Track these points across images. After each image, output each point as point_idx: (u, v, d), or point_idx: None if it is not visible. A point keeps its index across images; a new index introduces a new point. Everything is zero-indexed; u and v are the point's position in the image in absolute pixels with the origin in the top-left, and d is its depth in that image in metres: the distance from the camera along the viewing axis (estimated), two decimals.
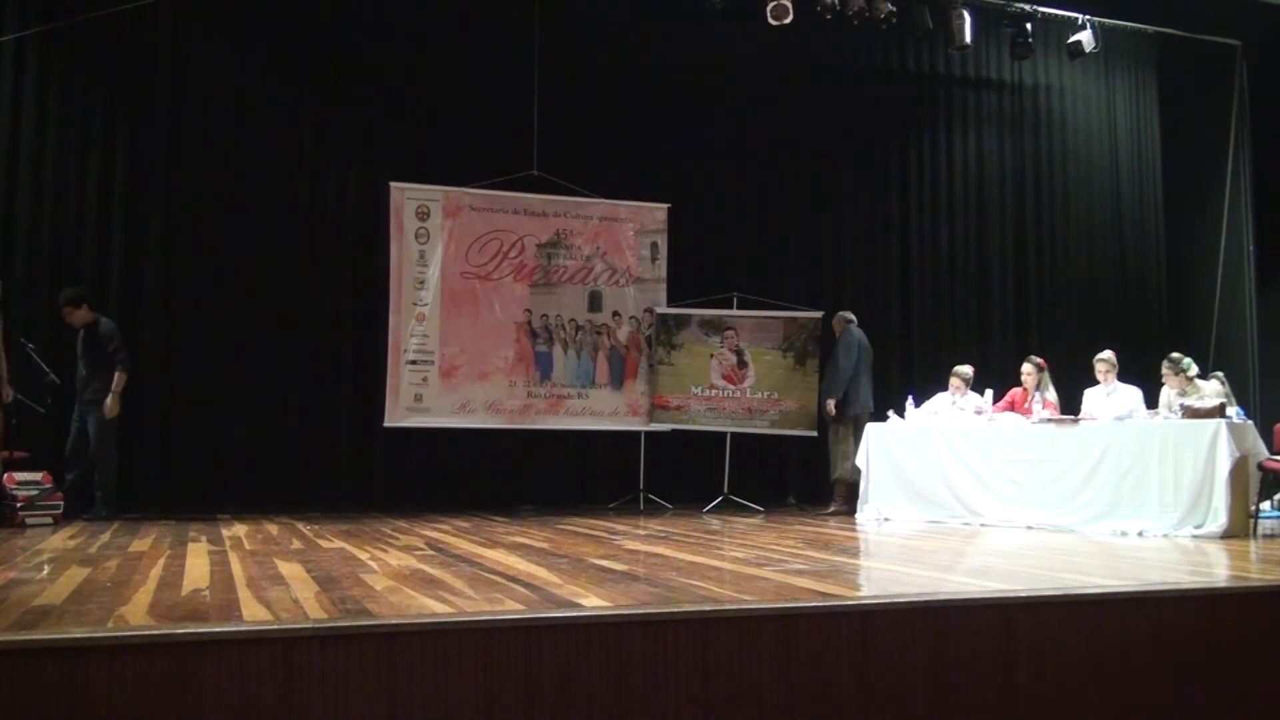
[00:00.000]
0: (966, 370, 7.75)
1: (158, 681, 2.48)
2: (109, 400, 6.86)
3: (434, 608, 3.04)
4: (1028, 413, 7.31)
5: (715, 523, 6.98)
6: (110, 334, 6.95)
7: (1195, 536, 5.92)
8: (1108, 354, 7.33)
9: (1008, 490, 6.86)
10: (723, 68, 9.42)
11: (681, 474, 8.86)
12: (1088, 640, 3.29)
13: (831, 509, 7.87)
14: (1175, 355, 7.13)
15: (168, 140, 8.10)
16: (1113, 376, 7.23)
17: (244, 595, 3.29)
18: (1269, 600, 3.62)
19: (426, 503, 8.14)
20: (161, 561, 4.29)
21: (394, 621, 2.77)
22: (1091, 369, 7.47)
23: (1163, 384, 7.12)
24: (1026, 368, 7.72)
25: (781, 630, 2.98)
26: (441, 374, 8.28)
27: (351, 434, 8.38)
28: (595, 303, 8.76)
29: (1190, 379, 7.01)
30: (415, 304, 8.29)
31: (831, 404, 8.15)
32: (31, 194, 7.69)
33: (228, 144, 8.24)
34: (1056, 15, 9.78)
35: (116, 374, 6.89)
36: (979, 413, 7.39)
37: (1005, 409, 7.50)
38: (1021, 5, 9.59)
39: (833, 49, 9.72)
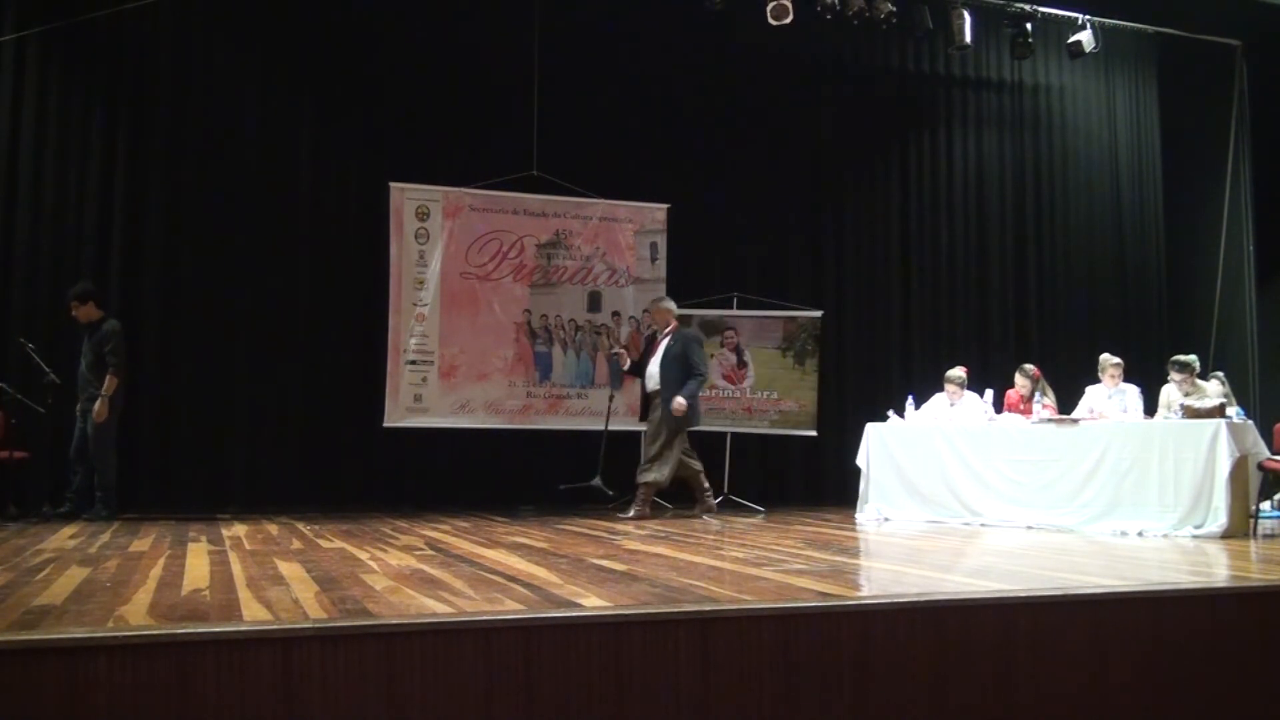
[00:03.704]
0: (959, 373, 7.74)
1: (158, 681, 2.48)
2: (98, 405, 6.84)
3: (434, 608, 3.04)
4: (1027, 413, 7.31)
5: (715, 523, 6.97)
6: (109, 335, 6.92)
7: (1195, 536, 5.92)
8: (1118, 359, 7.33)
9: (1008, 490, 6.86)
10: (723, 68, 9.43)
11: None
12: (1088, 640, 3.29)
13: (633, 513, 7.19)
14: (1183, 358, 7.09)
15: (168, 140, 8.11)
16: (1119, 380, 7.24)
17: (244, 595, 3.29)
18: (1269, 600, 3.62)
19: (426, 503, 8.14)
20: (161, 561, 4.28)
21: (394, 621, 2.76)
22: (1091, 368, 7.48)
23: (1166, 383, 7.12)
24: (1020, 380, 7.72)
25: (781, 630, 2.98)
26: (441, 374, 8.29)
27: (351, 434, 8.37)
28: (595, 303, 8.76)
29: (1195, 381, 7.00)
30: (415, 304, 8.30)
31: (683, 403, 7.27)
32: (31, 194, 7.69)
33: (228, 144, 8.24)
34: (1056, 15, 9.78)
35: (107, 378, 6.88)
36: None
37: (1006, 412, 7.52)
38: (1021, 5, 9.59)
39: (833, 49, 9.72)
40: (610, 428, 8.49)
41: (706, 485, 7.62)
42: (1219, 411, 6.27)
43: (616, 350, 8.00)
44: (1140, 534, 6.08)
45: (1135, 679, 3.32)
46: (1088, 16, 9.73)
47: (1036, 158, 10.62)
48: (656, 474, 7.34)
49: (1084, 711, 3.25)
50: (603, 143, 9.05)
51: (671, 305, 7.77)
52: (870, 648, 3.05)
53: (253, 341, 8.21)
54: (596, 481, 8.07)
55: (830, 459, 9.31)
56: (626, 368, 7.84)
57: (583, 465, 8.86)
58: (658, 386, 7.46)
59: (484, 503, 8.21)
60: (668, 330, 7.57)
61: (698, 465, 7.61)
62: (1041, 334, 10.36)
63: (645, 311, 8.22)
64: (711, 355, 8.71)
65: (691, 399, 7.34)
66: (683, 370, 7.37)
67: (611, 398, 8.26)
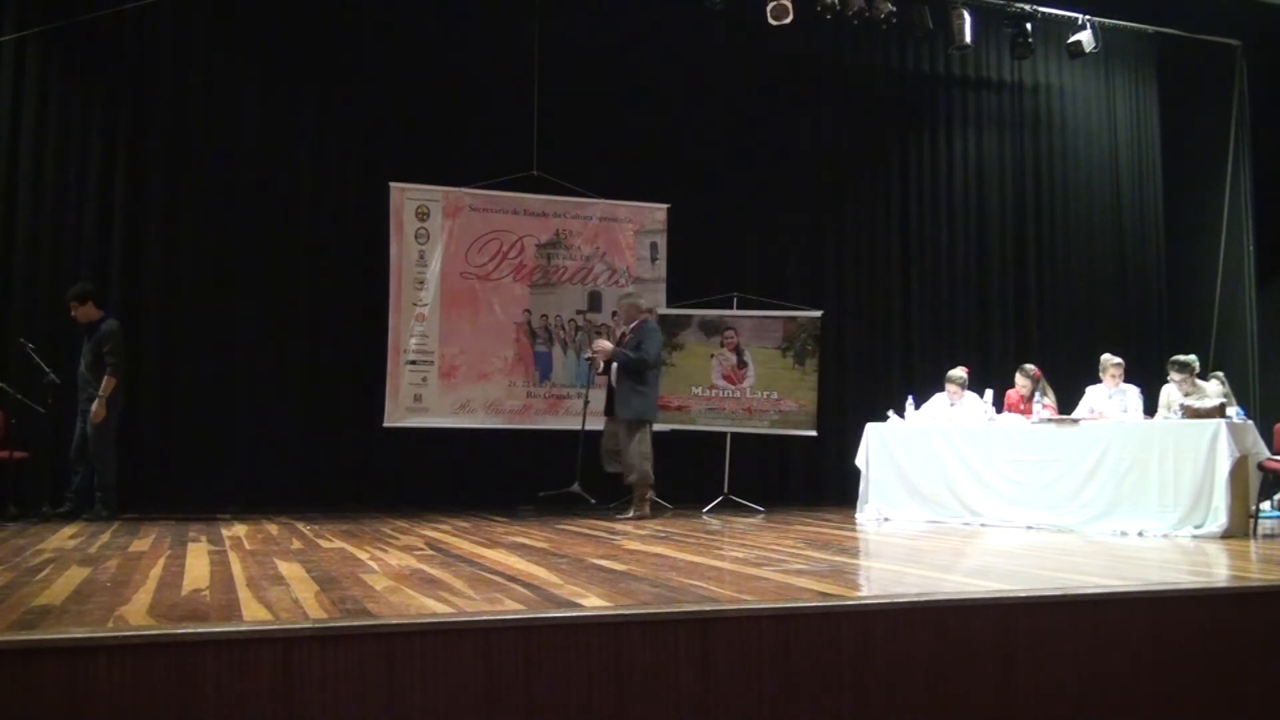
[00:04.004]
0: (961, 374, 7.74)
1: (158, 681, 2.48)
2: (95, 405, 6.84)
3: (434, 608, 3.04)
4: (1027, 413, 7.31)
5: (715, 523, 6.97)
6: (108, 336, 6.92)
7: (1195, 536, 5.92)
8: (1119, 359, 7.33)
9: (1008, 490, 6.86)
10: (723, 68, 9.43)
11: (681, 474, 8.86)
12: (1088, 640, 3.29)
13: (633, 514, 7.14)
14: (1183, 358, 7.09)
15: (168, 140, 8.11)
16: (1120, 380, 7.24)
17: (244, 595, 3.29)
18: (1269, 600, 3.62)
19: (426, 503, 8.14)
20: (161, 561, 4.29)
21: (394, 621, 2.77)
22: (1092, 368, 7.48)
23: (1165, 383, 7.12)
24: (1020, 380, 7.72)
25: (781, 630, 2.98)
26: (441, 374, 8.29)
27: (351, 434, 8.37)
28: (595, 303, 8.76)
29: (1194, 382, 7.00)
30: (415, 304, 8.30)
31: (606, 345, 7.49)
32: (31, 194, 7.70)
33: (228, 144, 8.24)
34: (1056, 15, 9.78)
35: (105, 378, 6.87)
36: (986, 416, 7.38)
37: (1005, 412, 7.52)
38: (1021, 5, 9.59)
39: (833, 49, 9.72)
40: (589, 428, 8.51)
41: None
42: (1219, 411, 6.26)
43: (589, 355, 7.91)
44: (1140, 534, 6.08)
45: (1135, 679, 3.32)
46: (1088, 16, 9.73)
47: (1036, 158, 10.62)
48: (639, 473, 7.30)
49: (1084, 712, 3.25)
50: (603, 143, 9.05)
51: (638, 300, 7.75)
52: (870, 648, 3.04)
53: (252, 341, 8.21)
54: (575, 487, 8.07)
55: (830, 459, 9.32)
56: (601, 370, 7.70)
57: (583, 465, 8.87)
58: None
59: (484, 503, 8.21)
60: (634, 324, 7.53)
61: None
62: (1041, 334, 10.36)
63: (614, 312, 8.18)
64: (711, 355, 8.71)
65: (624, 358, 7.27)
66: (629, 352, 7.35)
67: (586, 401, 8.23)
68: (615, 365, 7.39)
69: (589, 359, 7.96)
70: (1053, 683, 3.22)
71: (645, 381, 7.34)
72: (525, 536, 5.62)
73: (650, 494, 7.40)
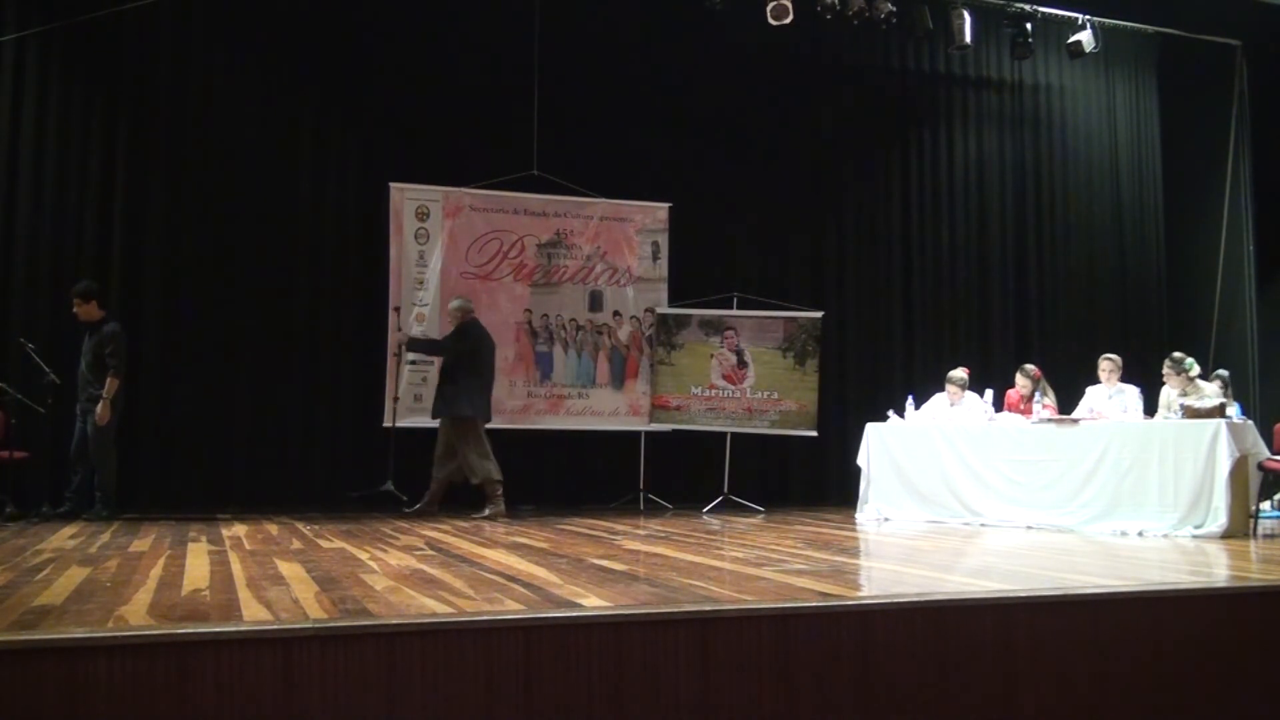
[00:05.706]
0: (961, 375, 7.74)
1: (158, 681, 2.48)
2: (100, 407, 6.84)
3: (434, 608, 3.04)
4: (1027, 413, 7.31)
5: (715, 523, 6.98)
6: (111, 337, 6.92)
7: (1195, 536, 5.92)
8: (1115, 355, 7.34)
9: (1008, 490, 6.86)
10: (723, 67, 9.43)
11: (681, 474, 8.86)
12: (1088, 640, 3.29)
13: (488, 511, 7.17)
14: (1177, 355, 7.14)
15: (168, 140, 8.10)
16: (1116, 378, 7.24)
17: (244, 595, 3.29)
18: (1269, 600, 3.62)
19: None
20: (161, 561, 4.29)
21: (394, 621, 2.77)
22: (1091, 368, 7.48)
23: (1163, 384, 7.13)
24: (1021, 380, 7.72)
25: (781, 630, 2.98)
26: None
27: (351, 434, 8.37)
28: (596, 302, 8.76)
29: (1192, 379, 7.02)
30: (415, 304, 8.30)
31: (411, 336, 7.78)
32: (31, 194, 7.69)
33: (228, 144, 8.24)
34: (1056, 15, 9.78)
35: (108, 380, 6.87)
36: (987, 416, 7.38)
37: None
38: (1021, 5, 9.59)
39: (833, 49, 9.72)
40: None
41: (484, 489, 7.46)
42: (1219, 411, 6.27)
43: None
44: (1140, 534, 6.09)
45: (1135, 679, 3.32)
46: (1088, 16, 9.74)
47: (1036, 158, 10.62)
48: (481, 473, 7.30)
49: (1084, 711, 3.25)
50: (603, 142, 9.04)
51: (466, 305, 7.68)
52: (870, 648, 3.05)
53: (253, 341, 8.20)
54: (388, 486, 8.01)
55: (830, 459, 9.32)
56: (395, 352, 7.93)
57: (583, 465, 8.87)
58: None
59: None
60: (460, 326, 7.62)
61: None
62: (1041, 334, 10.36)
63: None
64: (711, 355, 8.71)
65: (423, 347, 7.67)
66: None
67: (396, 398, 8.09)
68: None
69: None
70: (1052, 683, 3.22)
71: (455, 380, 7.36)
72: (525, 536, 5.62)
73: (499, 490, 7.29)
